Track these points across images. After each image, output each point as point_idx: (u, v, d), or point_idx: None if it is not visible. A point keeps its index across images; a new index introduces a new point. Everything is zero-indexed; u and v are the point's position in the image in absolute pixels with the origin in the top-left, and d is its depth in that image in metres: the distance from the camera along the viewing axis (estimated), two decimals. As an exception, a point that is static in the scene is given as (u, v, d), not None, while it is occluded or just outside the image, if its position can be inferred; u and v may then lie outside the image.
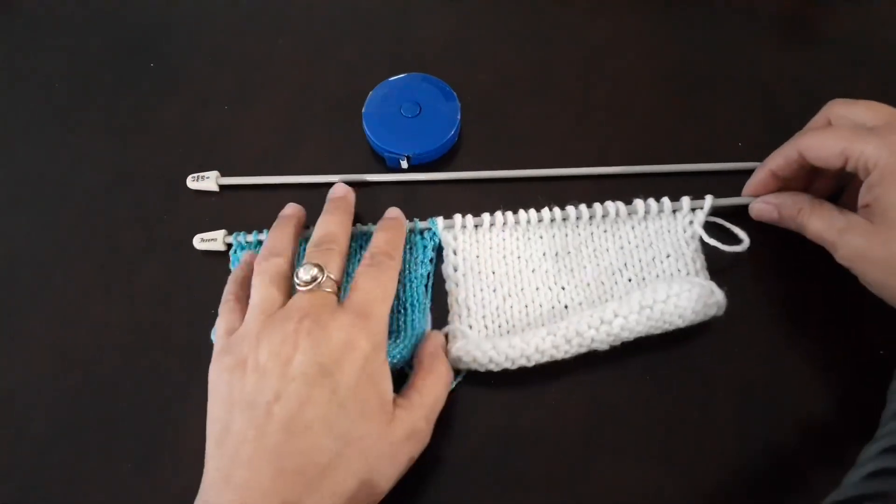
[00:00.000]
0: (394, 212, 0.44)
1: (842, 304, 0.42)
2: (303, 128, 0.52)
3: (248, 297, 0.40)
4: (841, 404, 0.40)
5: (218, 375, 0.36)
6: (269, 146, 0.51)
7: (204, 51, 0.57)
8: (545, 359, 0.40)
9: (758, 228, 0.43)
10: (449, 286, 0.44)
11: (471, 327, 0.42)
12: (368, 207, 0.46)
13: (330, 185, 0.48)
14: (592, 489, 0.38)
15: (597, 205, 0.45)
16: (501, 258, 0.44)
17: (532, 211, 0.45)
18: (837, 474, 0.33)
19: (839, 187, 0.43)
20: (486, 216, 0.45)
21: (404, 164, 0.48)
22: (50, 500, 0.39)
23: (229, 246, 0.46)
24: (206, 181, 0.48)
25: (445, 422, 0.40)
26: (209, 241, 0.46)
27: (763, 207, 0.43)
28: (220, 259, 0.46)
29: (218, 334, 0.39)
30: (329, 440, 0.33)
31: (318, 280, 0.37)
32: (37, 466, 0.40)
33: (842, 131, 0.38)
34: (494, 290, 0.43)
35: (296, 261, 0.42)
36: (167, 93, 0.55)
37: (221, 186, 0.49)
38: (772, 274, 0.42)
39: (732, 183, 0.45)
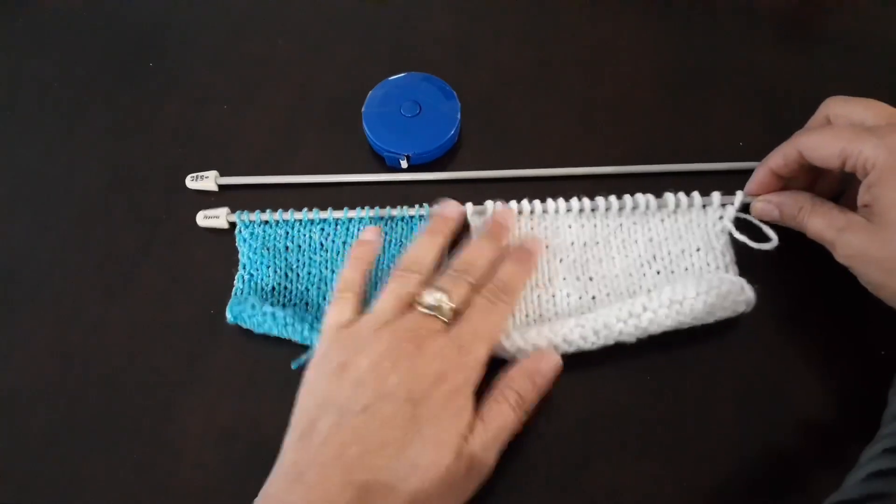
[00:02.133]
0: (531, 245, 0.43)
1: (842, 305, 0.42)
2: (302, 128, 0.52)
3: (364, 289, 0.41)
4: (841, 404, 0.40)
5: (318, 372, 0.37)
6: (268, 146, 0.51)
7: (204, 51, 0.57)
8: (572, 349, 0.40)
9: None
10: None
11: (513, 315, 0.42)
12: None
13: (330, 185, 0.48)
14: (592, 489, 0.38)
15: (627, 196, 0.44)
16: None
17: (561, 200, 0.45)
18: (838, 475, 0.33)
19: (842, 187, 0.43)
20: (513, 204, 0.45)
21: (404, 164, 0.48)
22: (50, 500, 0.39)
23: (232, 225, 0.46)
24: (206, 181, 0.48)
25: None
26: (212, 217, 0.46)
27: (764, 206, 0.43)
28: (220, 260, 0.46)
29: (329, 325, 0.39)
30: (398, 463, 0.34)
31: (442, 308, 0.38)
32: (37, 466, 0.40)
33: (840, 131, 0.38)
34: None
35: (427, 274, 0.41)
36: (167, 93, 0.55)
37: (221, 186, 0.49)
38: (772, 274, 0.42)
39: (732, 183, 0.44)
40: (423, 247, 0.42)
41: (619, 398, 0.40)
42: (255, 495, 0.34)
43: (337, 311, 0.40)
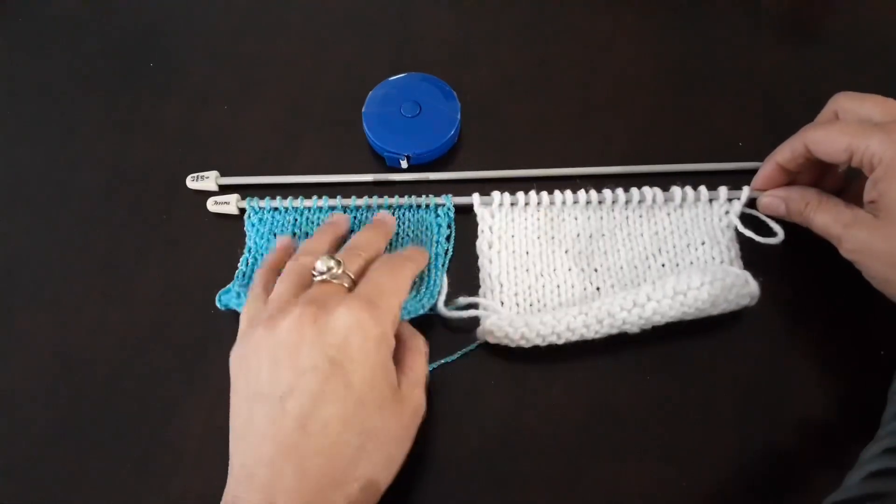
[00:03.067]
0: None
1: (842, 305, 0.42)
2: (303, 128, 0.52)
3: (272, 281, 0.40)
4: (841, 404, 0.40)
5: (236, 364, 0.36)
6: (268, 146, 0.51)
7: (204, 51, 0.57)
8: (575, 337, 0.40)
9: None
10: (482, 262, 0.44)
11: (502, 304, 0.42)
12: (368, 207, 0.46)
13: (330, 185, 0.48)
14: (592, 489, 0.38)
15: (633, 189, 0.45)
16: (535, 238, 0.45)
17: (568, 192, 0.45)
18: (838, 474, 0.33)
19: (846, 184, 0.43)
20: (520, 195, 0.45)
21: (404, 164, 0.48)
22: (50, 499, 0.39)
23: (242, 211, 0.47)
24: (206, 181, 0.48)
25: (446, 421, 0.40)
26: (222, 203, 0.47)
27: (771, 201, 0.43)
28: (220, 260, 0.46)
29: (242, 320, 0.39)
30: (349, 437, 0.33)
31: (333, 271, 0.37)
32: (37, 466, 0.40)
33: (848, 126, 0.38)
34: (527, 270, 0.44)
35: None
36: (167, 93, 0.55)
37: (221, 186, 0.49)
38: (772, 274, 0.42)
39: (733, 183, 0.44)
40: (316, 239, 0.42)
41: (619, 398, 0.40)
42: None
43: (247, 306, 0.39)
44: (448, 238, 0.45)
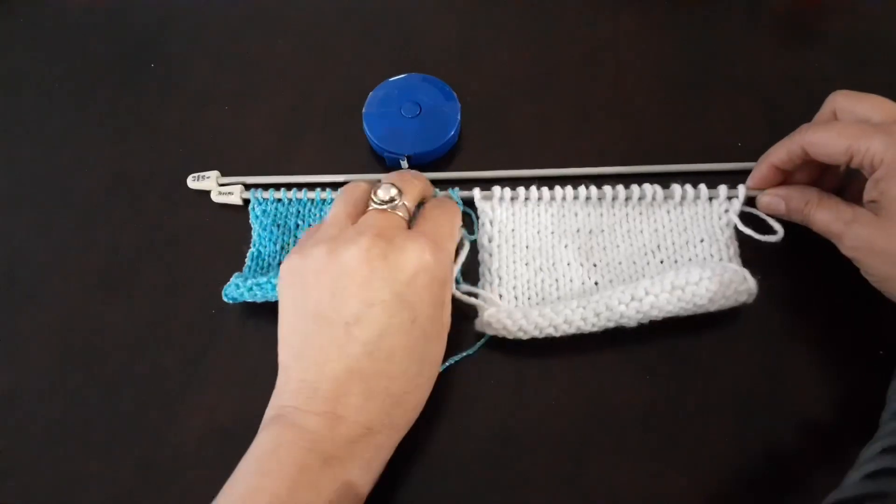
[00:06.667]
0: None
1: (842, 304, 0.42)
2: (303, 128, 0.52)
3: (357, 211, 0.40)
4: (841, 404, 0.40)
5: (291, 279, 0.37)
6: (269, 146, 0.51)
7: (204, 51, 0.57)
8: (573, 330, 0.40)
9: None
10: (482, 256, 0.44)
11: (501, 297, 0.42)
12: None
13: (330, 184, 0.48)
14: (592, 488, 0.38)
15: (634, 186, 0.45)
16: (536, 232, 0.45)
17: (569, 188, 0.45)
18: (837, 474, 0.33)
19: (844, 183, 0.43)
20: (521, 190, 0.45)
21: (404, 164, 0.48)
22: (50, 499, 0.39)
23: (246, 202, 0.47)
24: (207, 181, 0.49)
25: (446, 421, 0.40)
26: (226, 194, 0.47)
27: (771, 200, 0.43)
28: (220, 259, 0.46)
29: (305, 234, 0.40)
30: (411, 365, 0.36)
31: (395, 202, 0.38)
32: (37, 466, 0.40)
33: (847, 128, 0.38)
34: (527, 264, 0.44)
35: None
36: (167, 93, 0.55)
37: (221, 185, 0.49)
38: (771, 274, 0.42)
39: (732, 183, 0.44)
40: (359, 182, 0.42)
41: (618, 398, 0.40)
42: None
43: (310, 229, 0.40)
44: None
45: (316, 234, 0.38)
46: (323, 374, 0.35)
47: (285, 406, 0.35)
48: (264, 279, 0.42)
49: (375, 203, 0.38)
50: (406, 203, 0.39)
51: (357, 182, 0.41)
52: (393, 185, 0.39)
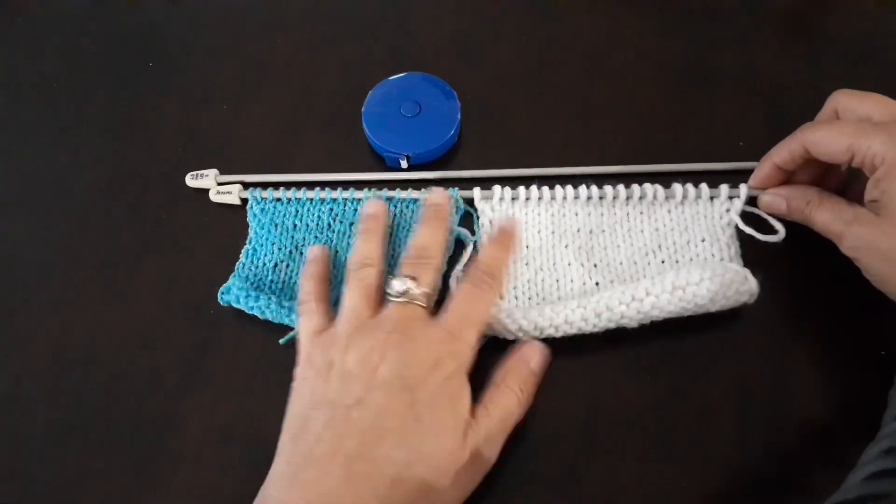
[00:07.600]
0: (508, 227, 0.43)
1: (842, 305, 0.42)
2: (302, 127, 0.52)
3: (327, 295, 0.41)
4: (842, 405, 0.39)
5: (304, 376, 0.37)
6: (268, 145, 0.51)
7: (203, 50, 0.57)
8: (573, 331, 0.40)
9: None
10: None
11: (501, 297, 0.42)
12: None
13: (330, 184, 0.48)
14: (592, 489, 0.38)
15: (634, 186, 0.45)
16: (536, 232, 0.45)
17: (569, 187, 0.45)
18: (839, 475, 0.33)
19: (846, 184, 0.43)
20: (521, 189, 0.45)
21: (404, 164, 0.48)
22: (50, 500, 0.39)
23: (244, 201, 0.47)
24: (205, 179, 0.48)
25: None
26: (224, 193, 0.47)
27: (772, 199, 0.43)
28: (220, 259, 0.46)
29: (304, 335, 0.39)
30: (400, 452, 0.33)
31: (411, 292, 0.38)
32: (37, 466, 0.40)
33: (847, 126, 0.38)
34: (527, 264, 0.44)
35: (384, 265, 0.42)
36: (166, 92, 0.55)
37: (220, 184, 0.49)
38: (772, 275, 0.42)
39: (734, 182, 0.44)
40: (367, 243, 0.42)
41: (618, 398, 0.40)
42: (255, 496, 0.34)
43: (306, 319, 0.40)
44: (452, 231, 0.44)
45: (332, 330, 0.38)
46: (310, 457, 0.33)
47: (269, 496, 0.34)
48: (264, 299, 0.42)
49: (391, 296, 0.38)
50: (423, 290, 0.38)
51: (368, 270, 0.40)
52: (406, 276, 0.38)
